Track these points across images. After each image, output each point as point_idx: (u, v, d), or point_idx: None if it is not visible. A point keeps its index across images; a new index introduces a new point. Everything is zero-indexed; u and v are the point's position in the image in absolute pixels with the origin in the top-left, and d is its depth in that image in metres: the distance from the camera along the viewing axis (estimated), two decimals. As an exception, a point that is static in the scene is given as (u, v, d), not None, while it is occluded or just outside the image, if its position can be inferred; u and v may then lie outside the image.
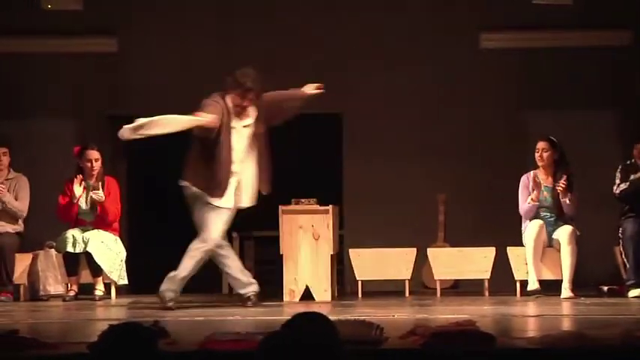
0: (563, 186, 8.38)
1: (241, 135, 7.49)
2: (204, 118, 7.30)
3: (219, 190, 7.37)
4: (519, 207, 8.57)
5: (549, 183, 8.58)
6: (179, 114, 10.32)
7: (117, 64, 10.24)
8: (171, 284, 7.42)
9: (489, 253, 8.83)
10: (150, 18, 10.20)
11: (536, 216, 8.53)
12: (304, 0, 10.25)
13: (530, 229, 8.45)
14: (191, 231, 10.89)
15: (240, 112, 7.47)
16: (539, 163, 8.59)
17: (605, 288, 8.58)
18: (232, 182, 7.47)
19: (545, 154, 8.56)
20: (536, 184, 8.45)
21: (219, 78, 10.09)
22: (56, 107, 10.20)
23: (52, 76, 10.21)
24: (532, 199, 8.43)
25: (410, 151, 10.13)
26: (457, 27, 10.13)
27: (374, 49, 10.19)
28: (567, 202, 8.42)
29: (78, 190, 8.68)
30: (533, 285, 8.36)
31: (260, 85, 7.47)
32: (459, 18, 10.15)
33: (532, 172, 8.66)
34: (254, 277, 7.86)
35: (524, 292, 8.42)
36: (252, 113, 7.55)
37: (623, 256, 8.43)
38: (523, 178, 8.64)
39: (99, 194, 8.67)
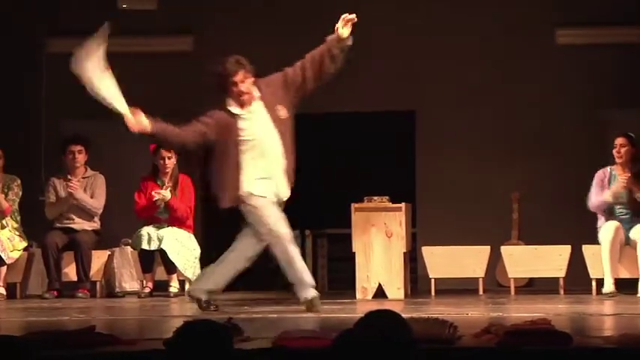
0: (626, 180, 8.28)
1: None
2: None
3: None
4: (590, 199, 8.48)
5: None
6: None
7: (192, 63, 10.33)
8: None
9: (564, 251, 8.74)
10: (224, 16, 10.27)
11: (612, 216, 8.43)
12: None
13: (607, 231, 8.34)
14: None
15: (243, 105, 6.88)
16: (618, 160, 8.49)
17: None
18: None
19: (623, 150, 8.47)
20: (627, 187, 8.35)
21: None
22: (133, 106, 10.30)
23: (128, 75, 10.28)
24: (610, 196, 8.34)
25: (483, 148, 10.07)
26: (533, 23, 10.05)
27: (447, 45, 10.14)
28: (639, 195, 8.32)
29: (166, 193, 8.79)
30: (609, 287, 8.25)
31: (235, 67, 6.83)
32: (534, 14, 10.06)
33: (608, 167, 8.57)
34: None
35: (600, 294, 8.33)
36: (256, 101, 6.92)
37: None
38: (599, 173, 8.56)
39: (162, 193, 8.75)
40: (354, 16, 6.76)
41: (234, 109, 6.88)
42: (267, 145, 6.83)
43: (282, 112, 6.87)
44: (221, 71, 6.81)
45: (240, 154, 6.78)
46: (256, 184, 6.83)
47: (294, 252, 6.82)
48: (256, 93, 6.85)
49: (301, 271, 6.81)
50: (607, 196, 8.39)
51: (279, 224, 6.79)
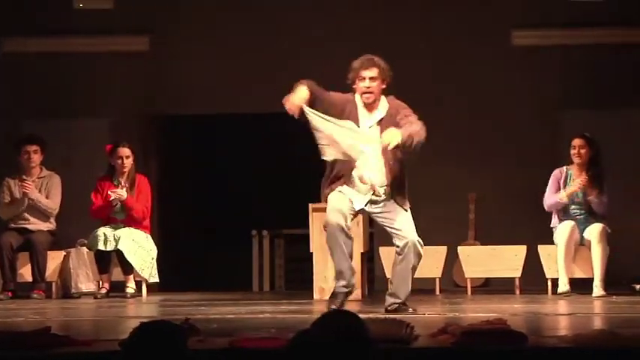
0: (583, 183, 8.34)
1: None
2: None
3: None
4: (545, 197, 8.52)
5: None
6: (211, 113, 10.39)
7: (149, 62, 10.28)
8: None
9: (520, 251, 8.80)
10: (181, 16, 10.23)
11: (567, 215, 8.49)
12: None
13: (562, 231, 8.39)
14: (222, 229, 10.95)
15: (366, 107, 6.58)
16: (576, 160, 8.51)
17: (638, 286, 8.52)
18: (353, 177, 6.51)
19: (582, 151, 8.49)
20: (582, 187, 8.38)
21: (251, 75, 10.16)
22: (89, 106, 10.26)
23: (84, 75, 10.27)
24: (565, 196, 8.39)
25: (440, 149, 10.08)
26: (489, 24, 10.09)
27: (402, 47, 10.17)
28: (594, 199, 8.36)
29: (122, 192, 8.74)
30: (563, 287, 8.31)
31: (367, 68, 6.55)
32: (490, 15, 10.11)
33: (565, 167, 8.61)
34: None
35: (555, 294, 8.39)
36: (378, 112, 6.61)
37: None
38: (555, 172, 8.60)
39: (117, 192, 8.71)
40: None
41: (360, 104, 6.57)
42: (366, 162, 6.50)
43: None
44: (354, 64, 6.60)
45: (354, 159, 6.46)
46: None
47: (335, 243, 6.48)
48: (384, 104, 6.56)
49: (337, 263, 6.53)
50: (562, 196, 8.44)
51: (331, 214, 6.47)
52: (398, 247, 6.62)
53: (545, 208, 8.55)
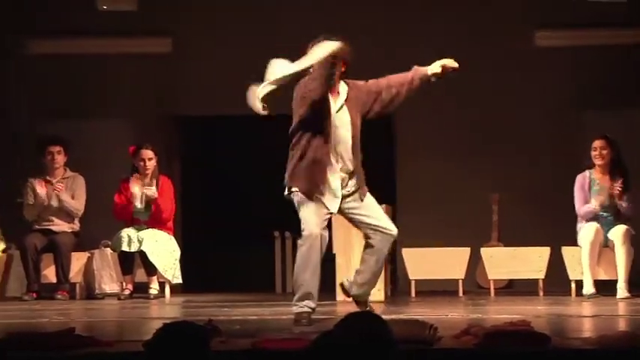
0: (620, 189, 8.27)
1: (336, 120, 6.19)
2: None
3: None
4: (576, 208, 8.46)
5: (606, 182, 8.47)
6: (233, 114, 10.40)
7: (171, 64, 10.32)
8: None
9: (544, 252, 8.77)
10: (203, 18, 10.26)
11: (592, 217, 8.43)
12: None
13: (587, 233, 8.33)
14: (244, 230, 10.96)
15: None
16: (598, 162, 8.45)
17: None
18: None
19: (604, 152, 8.43)
20: (610, 195, 8.31)
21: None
22: (112, 107, 10.31)
23: (107, 76, 10.32)
24: (597, 206, 8.31)
25: (463, 150, 10.09)
26: (512, 25, 10.07)
27: (426, 47, 10.15)
28: (623, 204, 8.30)
29: (136, 189, 8.77)
30: (588, 289, 8.25)
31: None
32: (514, 16, 10.09)
33: (587, 171, 8.55)
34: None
35: (579, 295, 8.34)
36: (340, 96, 6.22)
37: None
38: (579, 178, 8.53)
39: (152, 190, 8.75)
40: (456, 65, 6.41)
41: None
42: (338, 146, 6.19)
43: (358, 119, 6.27)
44: (312, 45, 6.16)
45: (328, 144, 6.11)
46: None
47: (312, 260, 6.19)
48: (343, 87, 6.22)
49: (308, 283, 6.15)
50: (595, 205, 8.35)
51: (314, 224, 6.15)
52: (374, 240, 6.26)
53: (579, 217, 8.47)
